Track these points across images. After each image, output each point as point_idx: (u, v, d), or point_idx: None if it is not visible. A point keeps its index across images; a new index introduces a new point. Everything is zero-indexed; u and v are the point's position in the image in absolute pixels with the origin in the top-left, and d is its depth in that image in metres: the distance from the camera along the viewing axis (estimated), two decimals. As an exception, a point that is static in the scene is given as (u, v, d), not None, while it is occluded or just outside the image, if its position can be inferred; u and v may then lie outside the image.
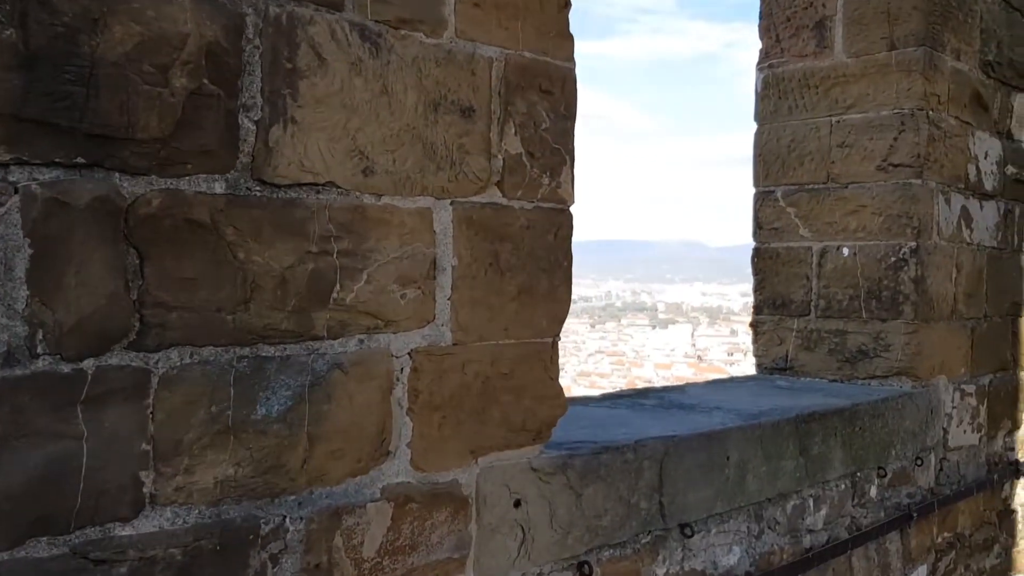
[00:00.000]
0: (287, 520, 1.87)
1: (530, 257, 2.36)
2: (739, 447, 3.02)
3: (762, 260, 4.53)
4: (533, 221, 2.37)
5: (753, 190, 4.57)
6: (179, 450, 1.72)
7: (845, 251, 4.23)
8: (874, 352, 4.15)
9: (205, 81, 1.73)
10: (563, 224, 2.45)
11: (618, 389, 4.52)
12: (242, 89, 1.79)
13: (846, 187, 4.23)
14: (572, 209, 2.49)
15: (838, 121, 4.25)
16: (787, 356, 4.43)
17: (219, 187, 1.76)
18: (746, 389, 3.97)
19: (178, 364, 1.71)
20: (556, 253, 2.43)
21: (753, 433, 3.09)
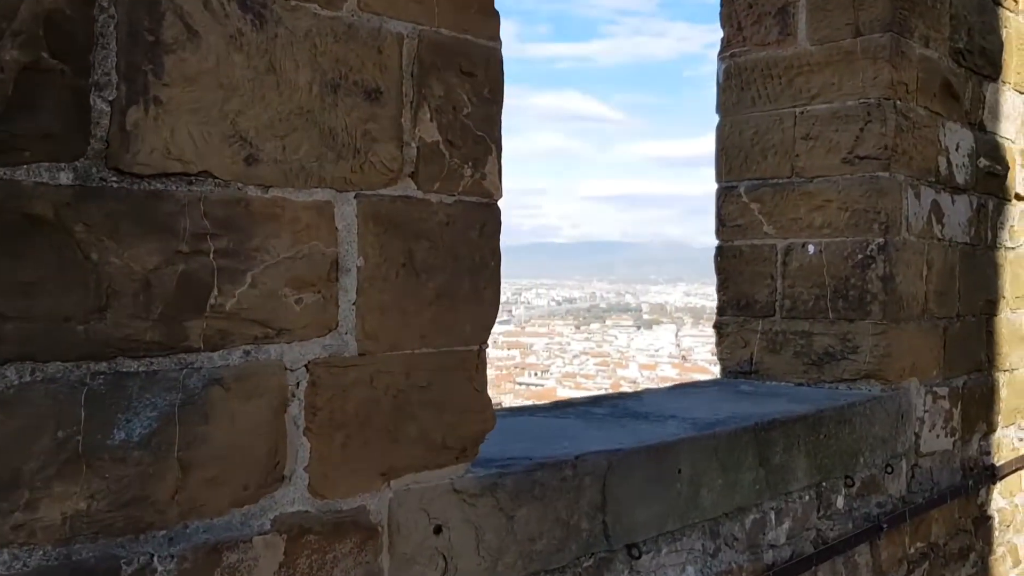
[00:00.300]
0: (155, 559, 1.63)
1: (451, 256, 2.13)
2: (692, 459, 2.81)
3: (725, 259, 4.32)
4: (454, 216, 2.14)
5: (715, 185, 4.36)
6: (18, 483, 1.48)
7: (811, 248, 4.03)
8: (841, 354, 3.95)
9: (44, 55, 1.49)
10: (489, 220, 2.22)
11: (603, 391, 4.31)
12: (94, 65, 1.55)
13: (811, 181, 4.03)
14: (502, 203, 2.27)
15: (802, 112, 4.05)
16: (752, 359, 4.22)
17: (65, 177, 1.52)
18: (706, 395, 3.76)
19: (15, 383, 1.47)
20: (482, 252, 2.20)
21: (707, 444, 2.87)
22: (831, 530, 3.48)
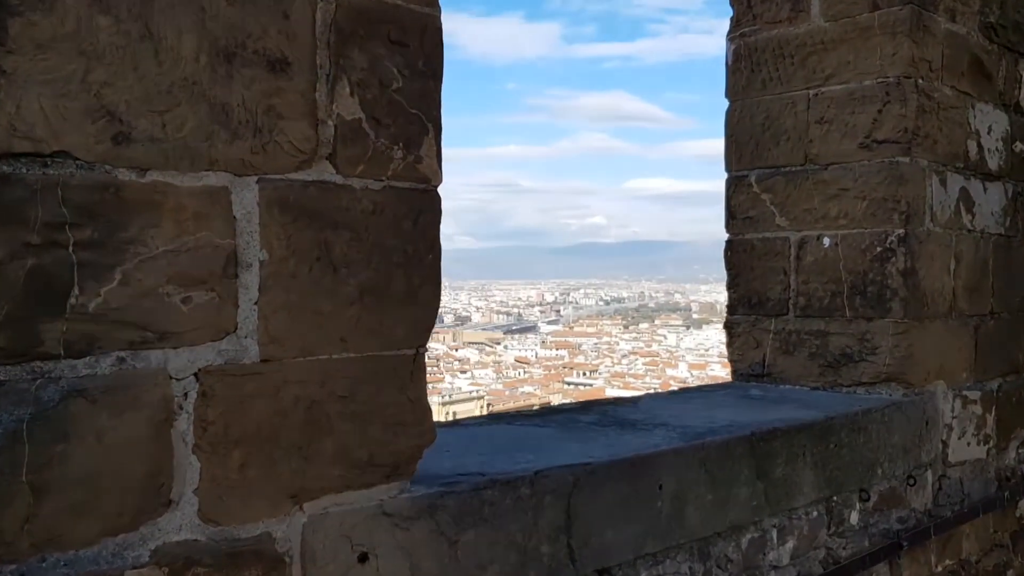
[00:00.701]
0: (-1, 598, 1.41)
1: (378, 249, 1.89)
2: (675, 473, 2.53)
3: (736, 254, 4.02)
4: (382, 204, 1.90)
5: (725, 175, 4.07)
6: None
7: (826, 241, 3.72)
8: (859, 355, 3.64)
9: None
10: (426, 208, 1.98)
11: (614, 396, 4.01)
12: (-82, 28, 1.34)
13: (826, 168, 3.72)
14: (442, 190, 2.02)
15: (816, 94, 3.74)
16: (764, 361, 3.92)
17: None
18: (710, 401, 3.47)
19: None
20: (416, 244, 1.96)
21: (694, 456, 2.60)
22: (843, 548, 3.18)
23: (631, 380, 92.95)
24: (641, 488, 2.44)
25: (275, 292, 1.73)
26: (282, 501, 1.75)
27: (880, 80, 3.56)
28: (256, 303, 1.71)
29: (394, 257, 1.91)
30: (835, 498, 3.15)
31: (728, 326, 4.07)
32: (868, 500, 3.29)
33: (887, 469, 3.40)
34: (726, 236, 4.07)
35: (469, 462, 2.31)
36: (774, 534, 2.90)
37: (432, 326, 1.99)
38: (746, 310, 3.99)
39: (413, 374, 1.96)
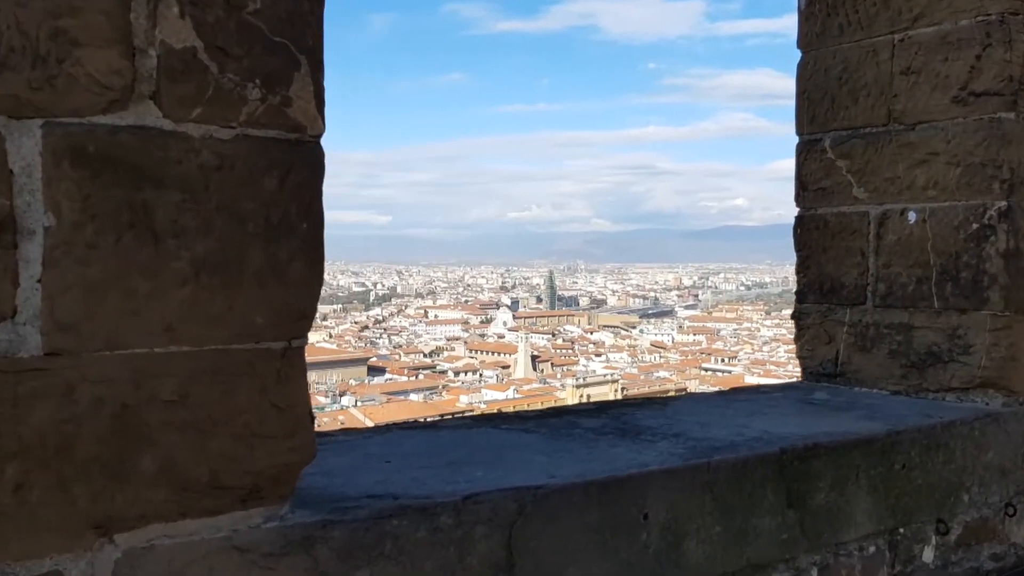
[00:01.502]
0: None
1: (224, 215, 1.49)
2: (667, 499, 2.04)
3: (806, 232, 3.43)
4: (232, 157, 1.50)
5: (796, 139, 3.48)
6: None
7: (912, 216, 3.09)
8: (949, 355, 3.00)
9: None
10: (299, 163, 1.56)
11: (792, 380, 3.48)
12: None
13: (913, 129, 3.08)
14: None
15: (902, 39, 3.11)
16: (837, 358, 3.32)
17: None
18: (756, 405, 2.93)
19: None
20: (284, 209, 1.55)
21: (695, 478, 2.09)
22: (912, 592, 2.60)
23: (772, 368, 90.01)
24: (618, 517, 1.97)
25: (66, 267, 1.35)
26: (80, 532, 1.38)
27: (979, 19, 2.90)
28: (39, 281, 1.34)
29: (250, 225, 1.51)
30: (901, 530, 2.57)
31: (796, 316, 3.49)
32: (948, 533, 2.68)
33: (977, 495, 2.77)
34: (796, 211, 3.48)
35: (396, 480, 1.89)
36: (814, 573, 2.36)
37: (311, 312, 1.59)
38: (817, 298, 3.40)
39: (282, 373, 1.56)
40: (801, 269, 3.45)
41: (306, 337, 1.60)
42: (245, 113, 1.50)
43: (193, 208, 1.45)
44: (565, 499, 1.89)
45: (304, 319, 1.58)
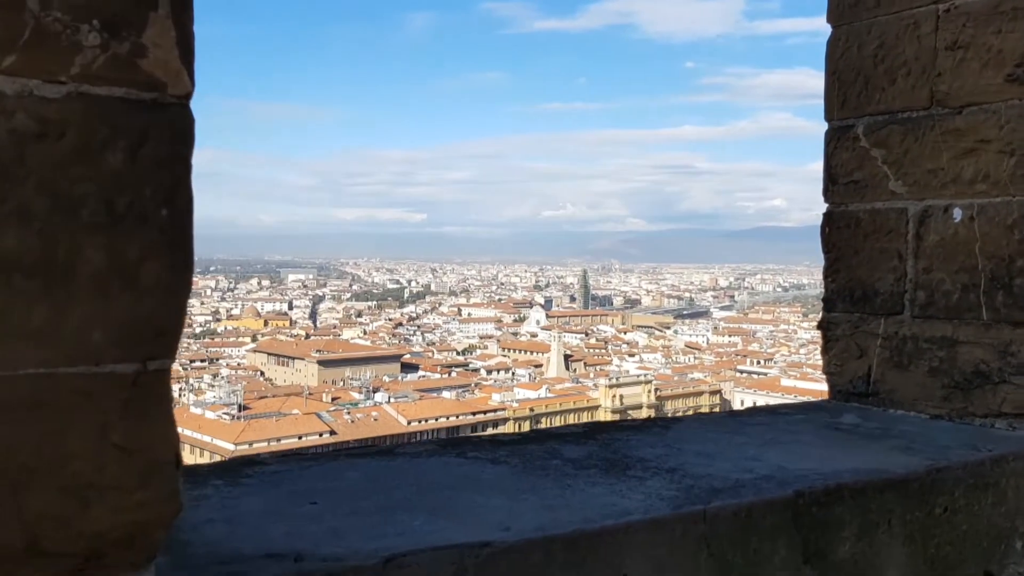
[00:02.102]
0: None
1: (47, 198, 1.13)
2: (651, 558, 1.66)
3: (836, 230, 3.03)
4: (60, 123, 1.14)
5: (825, 126, 3.08)
6: None
7: (957, 214, 2.68)
8: (1000, 375, 2.59)
9: None
10: (153, 133, 1.20)
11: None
12: None
13: (959, 112, 2.67)
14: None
15: (947, 9, 2.69)
16: (869, 376, 2.91)
17: None
18: (771, 430, 2.53)
19: None
20: (136, 191, 1.19)
21: (688, 531, 1.71)
22: (954, 659, 2.19)
23: (809, 371, 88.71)
24: (586, 580, 1.59)
25: None
26: None
27: (1042, -18, 2.48)
28: None
29: (85, 213, 1.15)
30: (942, 586, 2.16)
31: (824, 326, 3.08)
32: (998, 588, 2.27)
33: (1032, 542, 2.35)
34: (824, 207, 3.08)
35: (310, 531, 1.53)
36: (835, 640, 1.96)
37: (174, 327, 1.22)
38: (847, 306, 2.99)
39: (132, 405, 1.20)
40: (830, 273, 3.05)
41: (170, 358, 1.24)
42: (79, 64, 1.14)
43: (1, 189, 1.10)
44: (519, 560, 1.51)
45: (163, 336, 1.22)
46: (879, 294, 2.88)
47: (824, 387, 3.05)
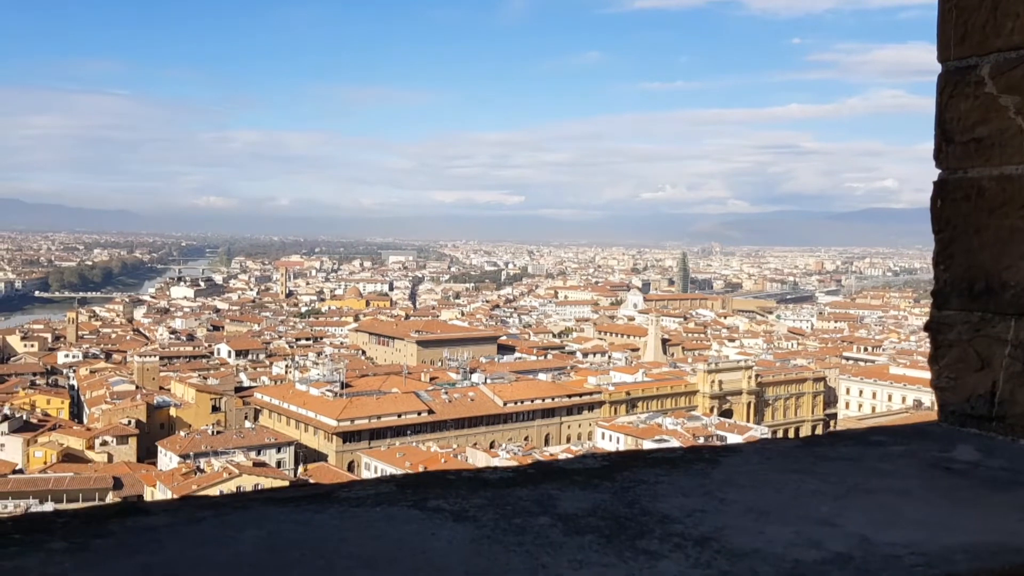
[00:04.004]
0: None
1: None
2: None
3: (950, 204, 2.33)
4: None
5: (938, 69, 2.38)
6: None
7: (1123, 180, 1.96)
8: None
9: None
10: None
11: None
12: None
13: None
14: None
15: (1115, -102, 1.97)
16: (994, 394, 2.22)
17: None
18: (857, 472, 1.88)
19: None
20: None
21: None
22: None
23: (919, 359, 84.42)
24: None
25: None
26: None
27: None
28: None
29: None
30: None
31: (933, 328, 2.40)
32: None
33: None
34: (936, 173, 2.39)
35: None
36: None
37: None
38: (965, 302, 2.30)
39: None
40: (942, 258, 2.36)
41: None
42: None
43: None
44: None
45: None
46: (1009, 287, 2.19)
47: (911, 422, 2.36)
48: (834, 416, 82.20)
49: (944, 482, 1.83)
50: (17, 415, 61.63)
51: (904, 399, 76.96)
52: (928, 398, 71.44)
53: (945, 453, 2.06)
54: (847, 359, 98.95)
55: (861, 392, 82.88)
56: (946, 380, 2.35)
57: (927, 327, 2.41)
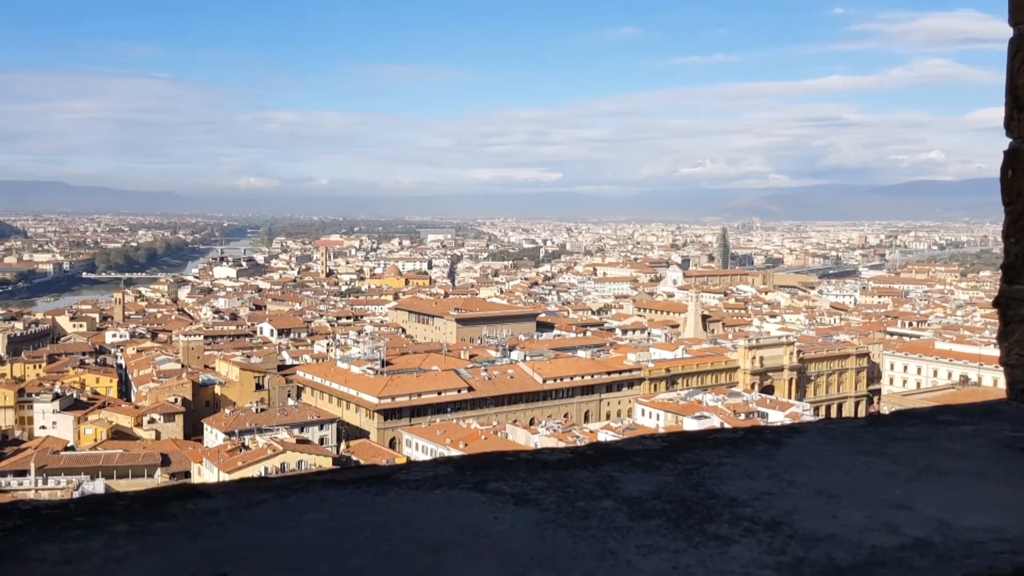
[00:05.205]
0: None
1: None
2: None
3: (1021, 174, 2.25)
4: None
5: (1005, 36, 2.28)
6: None
7: None
8: None
9: None
10: None
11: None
12: None
13: None
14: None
15: None
16: (1067, 370, 2.14)
17: None
18: (928, 452, 1.82)
19: None
20: None
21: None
22: None
23: (966, 334, 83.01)
24: None
25: None
26: None
27: None
28: None
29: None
30: None
31: (1003, 303, 2.32)
32: None
33: None
34: (1006, 144, 2.30)
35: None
36: None
37: None
38: (1037, 276, 2.21)
39: None
40: (1013, 230, 2.27)
41: None
42: None
43: None
44: None
45: None
46: (1085, 260, 2.10)
47: (981, 400, 2.29)
48: (878, 392, 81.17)
49: (1021, 463, 1.77)
50: (68, 394, 62.99)
51: (950, 375, 75.72)
52: (975, 373, 70.28)
53: (1019, 433, 1.99)
54: (891, 334, 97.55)
55: (906, 368, 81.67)
56: (1016, 357, 2.27)
57: (996, 303, 2.33)
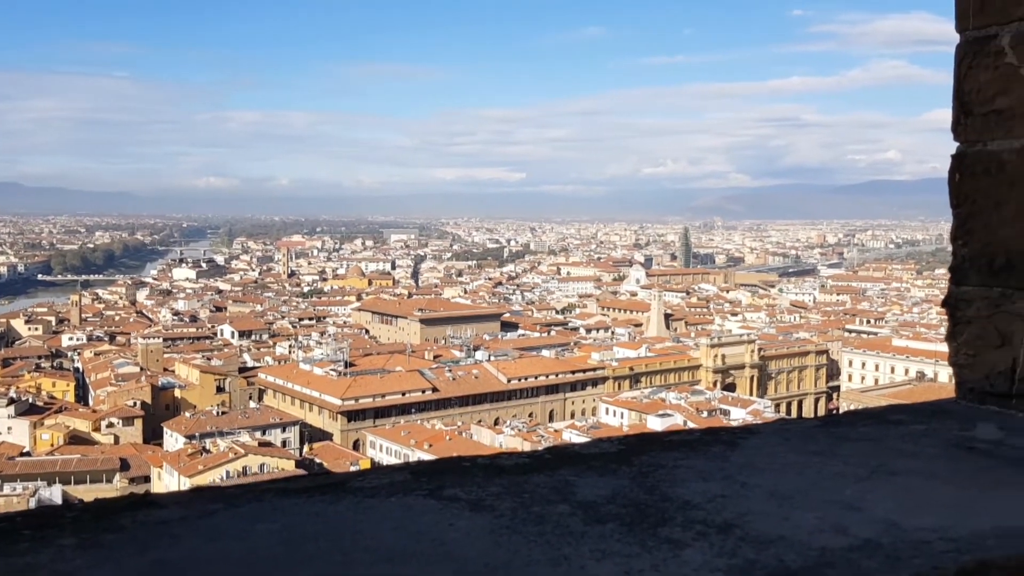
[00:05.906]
0: None
1: None
2: None
3: (970, 177, 2.29)
4: None
5: (956, 39, 2.33)
6: None
7: None
8: None
9: None
10: None
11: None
12: None
13: None
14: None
15: None
16: (1014, 371, 2.19)
17: None
18: (880, 452, 1.85)
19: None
20: None
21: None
22: None
23: (923, 331, 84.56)
24: None
25: None
26: None
27: None
28: None
29: None
30: None
31: (951, 304, 2.36)
32: None
33: None
34: (953, 148, 2.34)
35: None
36: None
37: None
38: (984, 278, 2.26)
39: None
40: (961, 234, 2.31)
41: None
42: None
43: None
44: None
45: None
46: (1030, 262, 2.14)
47: (931, 400, 2.34)
48: (837, 388, 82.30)
49: (968, 462, 1.80)
50: (23, 398, 61.88)
51: (907, 371, 77.00)
52: (931, 369, 71.56)
53: (966, 431, 2.02)
54: (850, 332, 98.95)
55: (864, 364, 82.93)
56: (964, 357, 2.31)
57: (944, 303, 2.37)
